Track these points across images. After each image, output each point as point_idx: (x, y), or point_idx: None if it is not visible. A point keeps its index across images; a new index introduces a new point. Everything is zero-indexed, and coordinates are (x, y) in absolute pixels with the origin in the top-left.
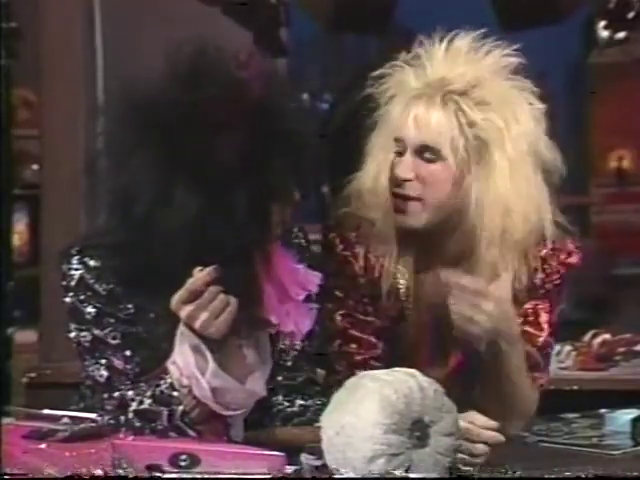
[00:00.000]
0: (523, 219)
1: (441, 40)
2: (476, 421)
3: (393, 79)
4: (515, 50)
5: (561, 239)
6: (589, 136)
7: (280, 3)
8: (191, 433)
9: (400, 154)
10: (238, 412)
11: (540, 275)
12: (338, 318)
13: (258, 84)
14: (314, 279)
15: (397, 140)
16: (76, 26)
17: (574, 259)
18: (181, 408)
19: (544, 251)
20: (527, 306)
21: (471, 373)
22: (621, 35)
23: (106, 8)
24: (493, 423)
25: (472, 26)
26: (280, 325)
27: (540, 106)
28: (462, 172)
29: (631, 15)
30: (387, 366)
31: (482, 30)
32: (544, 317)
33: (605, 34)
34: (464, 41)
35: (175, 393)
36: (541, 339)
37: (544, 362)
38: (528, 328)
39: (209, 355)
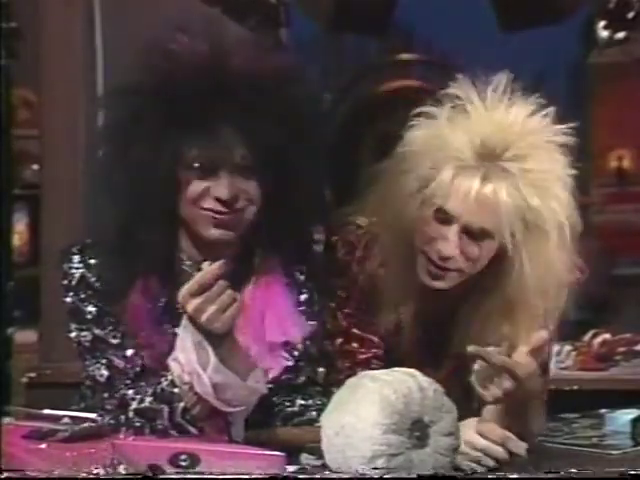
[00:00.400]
0: (562, 290)
1: (485, 92)
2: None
3: (439, 137)
4: (570, 128)
5: None
6: (589, 136)
7: (280, 3)
8: (192, 430)
9: (441, 221)
10: (239, 409)
11: None
12: (340, 316)
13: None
14: (300, 330)
15: (443, 210)
16: (76, 26)
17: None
18: (182, 405)
19: None
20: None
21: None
22: (621, 35)
23: (106, 8)
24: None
25: (484, 37)
26: (258, 360)
27: (571, 172)
28: (506, 248)
29: (631, 15)
30: (389, 365)
31: (541, 99)
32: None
33: (605, 34)
34: (521, 109)
35: (176, 390)
36: None
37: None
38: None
39: (211, 350)
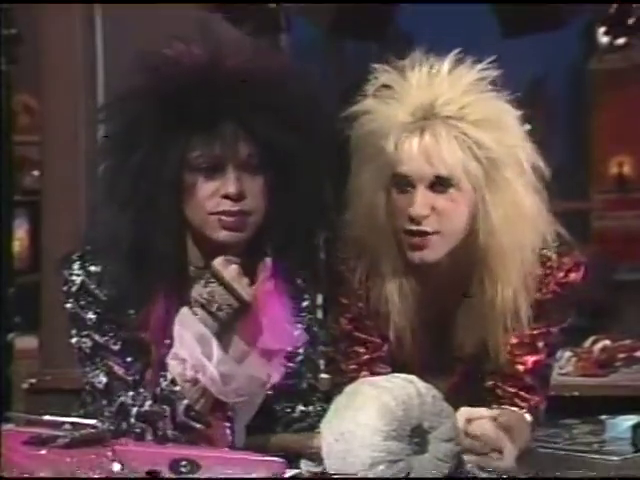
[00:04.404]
0: (536, 233)
1: (417, 65)
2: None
3: (371, 114)
4: (491, 62)
5: (559, 255)
6: (590, 142)
7: (280, 8)
8: (197, 426)
9: (403, 190)
10: (242, 399)
11: (536, 295)
12: (344, 321)
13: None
14: (293, 339)
15: (398, 176)
16: (76, 32)
17: (572, 277)
18: (185, 403)
19: (540, 270)
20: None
21: (472, 388)
22: (621, 41)
23: (107, 15)
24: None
25: (484, 43)
26: (257, 366)
27: (517, 113)
28: (475, 196)
29: (631, 21)
30: (393, 367)
31: (456, 49)
32: (539, 339)
33: (605, 40)
34: (442, 63)
35: (177, 388)
36: (532, 362)
37: (539, 384)
38: (520, 351)
39: (214, 342)
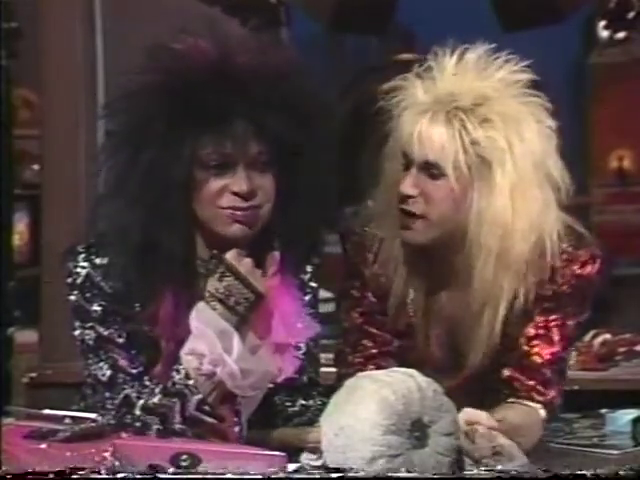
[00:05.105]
0: (521, 238)
1: (452, 53)
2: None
3: (404, 92)
4: (527, 66)
5: (576, 248)
6: (589, 136)
7: (280, 3)
8: (208, 420)
9: (405, 168)
10: (254, 393)
11: (551, 286)
12: (355, 315)
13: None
14: (308, 331)
15: (404, 155)
16: (76, 26)
17: (587, 270)
18: (198, 397)
19: (557, 261)
20: (538, 320)
21: (480, 385)
22: (621, 35)
23: (106, 8)
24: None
25: (484, 37)
26: (269, 360)
27: (550, 123)
28: (464, 189)
29: (631, 15)
30: (400, 362)
31: (494, 44)
32: (555, 331)
33: (605, 34)
34: (475, 55)
35: (190, 382)
36: (549, 353)
37: (555, 377)
38: (537, 342)
39: (236, 336)
